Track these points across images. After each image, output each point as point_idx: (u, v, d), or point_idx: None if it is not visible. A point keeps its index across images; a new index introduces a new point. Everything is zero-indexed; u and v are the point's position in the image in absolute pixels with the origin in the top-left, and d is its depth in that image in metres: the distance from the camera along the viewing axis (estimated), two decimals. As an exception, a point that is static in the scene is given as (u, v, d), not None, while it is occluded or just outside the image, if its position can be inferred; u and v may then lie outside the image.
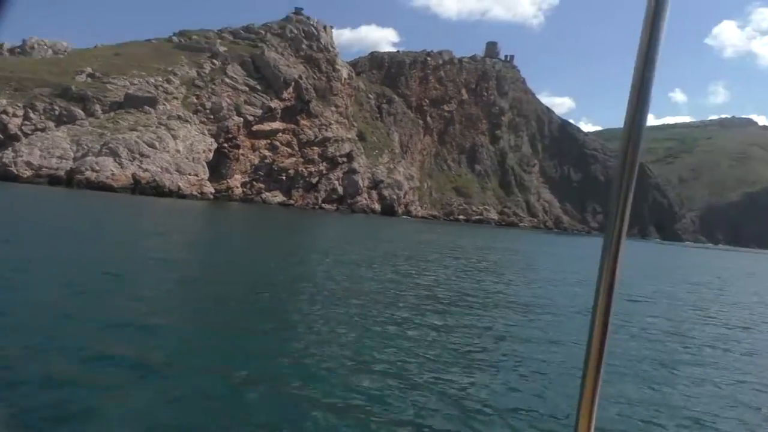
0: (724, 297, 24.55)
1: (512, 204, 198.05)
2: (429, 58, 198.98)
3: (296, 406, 6.71)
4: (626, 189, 1.05)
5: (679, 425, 7.35)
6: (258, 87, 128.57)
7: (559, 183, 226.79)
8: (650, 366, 10.00)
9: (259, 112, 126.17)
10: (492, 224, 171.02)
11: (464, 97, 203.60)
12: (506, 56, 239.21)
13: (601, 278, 1.07)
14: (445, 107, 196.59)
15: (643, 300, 19.36)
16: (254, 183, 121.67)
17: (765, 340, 13.54)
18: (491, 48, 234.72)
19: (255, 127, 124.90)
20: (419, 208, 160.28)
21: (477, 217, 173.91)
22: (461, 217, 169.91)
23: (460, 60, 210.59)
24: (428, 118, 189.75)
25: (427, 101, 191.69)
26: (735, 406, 8.34)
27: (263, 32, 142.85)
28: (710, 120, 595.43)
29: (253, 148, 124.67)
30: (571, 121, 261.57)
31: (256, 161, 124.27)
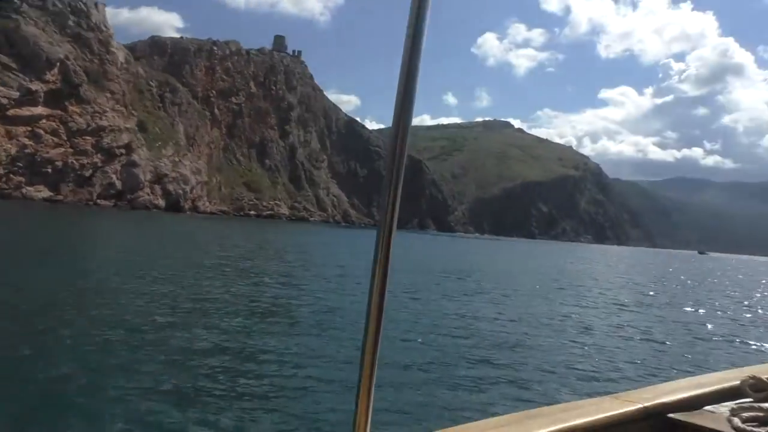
0: (471, 286, 26.95)
1: (302, 199, 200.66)
2: (215, 48, 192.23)
3: None
4: (395, 183, 1.06)
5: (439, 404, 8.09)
6: (13, 65, 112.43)
7: (347, 178, 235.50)
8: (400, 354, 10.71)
9: (16, 94, 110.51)
10: (283, 219, 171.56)
11: (253, 90, 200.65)
12: (294, 51, 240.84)
13: (375, 270, 1.08)
14: (234, 99, 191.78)
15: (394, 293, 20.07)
16: (11, 176, 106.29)
17: (487, 330, 14.71)
18: (279, 41, 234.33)
19: (11, 112, 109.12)
20: (208, 203, 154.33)
21: (268, 212, 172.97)
22: (252, 212, 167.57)
23: (248, 52, 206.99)
24: (216, 110, 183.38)
25: (215, 92, 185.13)
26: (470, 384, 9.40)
27: (18, 2, 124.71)
28: (476, 122, 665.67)
29: (9, 136, 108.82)
30: (357, 118, 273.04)
31: (14, 151, 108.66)
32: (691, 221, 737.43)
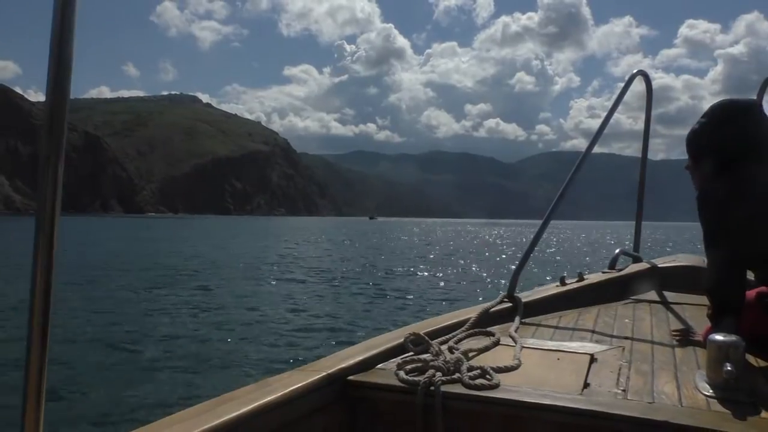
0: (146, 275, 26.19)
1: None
2: None
3: None
4: (55, 162, 0.99)
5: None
6: None
7: (7, 159, 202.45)
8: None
9: None
10: None
11: None
12: None
13: (36, 262, 1.00)
14: None
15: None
16: None
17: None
18: None
19: None
20: None
21: None
22: None
23: None
24: None
25: None
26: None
27: None
28: (162, 96, 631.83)
29: None
30: (17, 89, 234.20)
31: None
32: (371, 190, 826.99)
